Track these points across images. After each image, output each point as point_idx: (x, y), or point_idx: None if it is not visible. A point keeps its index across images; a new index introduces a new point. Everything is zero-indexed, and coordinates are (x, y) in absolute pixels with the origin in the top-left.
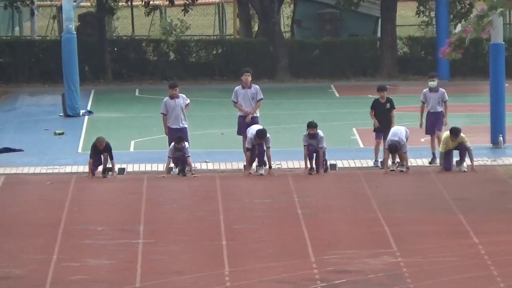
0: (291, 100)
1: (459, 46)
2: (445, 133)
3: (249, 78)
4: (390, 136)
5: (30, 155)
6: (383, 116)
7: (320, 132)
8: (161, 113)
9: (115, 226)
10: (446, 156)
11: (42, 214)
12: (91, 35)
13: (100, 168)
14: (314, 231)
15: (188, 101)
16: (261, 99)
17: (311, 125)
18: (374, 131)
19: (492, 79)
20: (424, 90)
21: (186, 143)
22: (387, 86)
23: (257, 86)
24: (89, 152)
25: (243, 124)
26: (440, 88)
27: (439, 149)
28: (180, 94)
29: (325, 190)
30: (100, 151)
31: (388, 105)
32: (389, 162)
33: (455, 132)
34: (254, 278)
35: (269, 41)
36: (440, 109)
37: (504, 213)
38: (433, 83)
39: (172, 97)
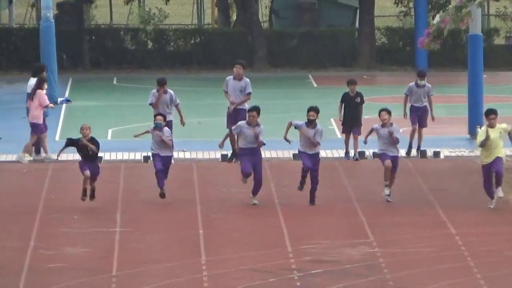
0: (269, 90)
1: (438, 37)
2: (482, 129)
3: (241, 71)
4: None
5: (7, 143)
6: (352, 109)
7: (319, 126)
8: (149, 104)
9: (92, 215)
10: (487, 178)
11: (19, 202)
12: (69, 24)
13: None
14: (291, 221)
15: (177, 102)
16: (250, 93)
17: (311, 109)
18: (342, 124)
19: (470, 70)
20: (410, 84)
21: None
22: (356, 79)
23: (247, 80)
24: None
25: (230, 117)
26: (427, 84)
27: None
28: (170, 91)
29: None
30: (83, 145)
31: (358, 99)
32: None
33: (491, 111)
34: (231, 267)
35: (247, 30)
36: (425, 103)
37: (481, 204)
38: (423, 82)
39: (159, 91)
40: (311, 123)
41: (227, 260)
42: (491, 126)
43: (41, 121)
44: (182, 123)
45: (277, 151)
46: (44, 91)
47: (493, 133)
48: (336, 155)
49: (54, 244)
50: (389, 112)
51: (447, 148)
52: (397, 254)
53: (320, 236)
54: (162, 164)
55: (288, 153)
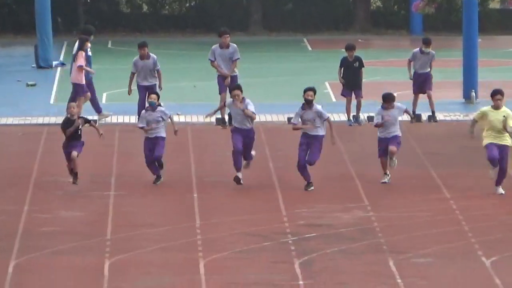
0: (263, 53)
1: (432, 1)
2: (482, 108)
3: (228, 39)
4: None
5: (1, 106)
6: (350, 74)
7: (318, 106)
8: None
9: (87, 178)
10: (491, 146)
11: (14, 165)
12: None
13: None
14: (286, 185)
15: (158, 67)
16: (238, 58)
17: (309, 89)
18: (343, 87)
19: (465, 34)
20: (415, 50)
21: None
22: (356, 45)
23: (234, 45)
24: (60, 104)
25: (222, 84)
26: (431, 50)
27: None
28: (153, 56)
29: (297, 144)
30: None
31: (356, 63)
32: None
33: (497, 91)
34: (225, 231)
35: None
36: (428, 69)
37: (475, 168)
38: (428, 50)
39: (142, 57)
40: (308, 104)
41: (221, 223)
42: (497, 107)
43: (82, 82)
44: (160, 87)
45: (271, 114)
46: (84, 53)
47: (496, 115)
48: (331, 118)
49: (48, 208)
50: (394, 99)
51: (441, 112)
52: (391, 218)
53: (314, 200)
54: (153, 148)
55: (283, 117)
